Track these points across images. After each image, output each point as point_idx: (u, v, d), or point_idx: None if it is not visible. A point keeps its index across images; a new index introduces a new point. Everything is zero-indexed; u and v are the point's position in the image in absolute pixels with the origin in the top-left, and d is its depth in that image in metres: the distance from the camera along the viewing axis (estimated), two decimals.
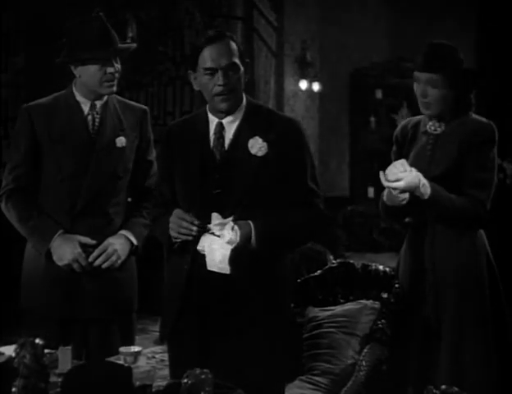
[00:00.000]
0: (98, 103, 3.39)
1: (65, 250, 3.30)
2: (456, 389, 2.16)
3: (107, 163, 3.37)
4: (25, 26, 7.73)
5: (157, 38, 8.31)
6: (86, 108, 3.39)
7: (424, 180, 3.07)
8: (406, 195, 3.08)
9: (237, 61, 2.92)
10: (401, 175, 3.03)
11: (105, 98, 3.40)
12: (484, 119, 3.29)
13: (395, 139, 3.46)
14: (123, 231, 3.41)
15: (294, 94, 8.82)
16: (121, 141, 3.39)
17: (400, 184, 3.03)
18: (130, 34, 7.42)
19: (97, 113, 3.39)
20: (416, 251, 3.33)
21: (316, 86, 8.83)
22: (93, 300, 3.35)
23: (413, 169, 3.04)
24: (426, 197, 3.08)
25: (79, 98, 3.39)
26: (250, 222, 2.86)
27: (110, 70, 3.31)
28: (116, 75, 3.34)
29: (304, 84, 8.77)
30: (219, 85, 2.89)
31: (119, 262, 3.36)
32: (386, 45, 9.30)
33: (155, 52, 8.46)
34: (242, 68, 2.95)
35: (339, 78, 9.15)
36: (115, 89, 3.36)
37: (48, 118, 3.39)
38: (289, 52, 8.78)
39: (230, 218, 2.86)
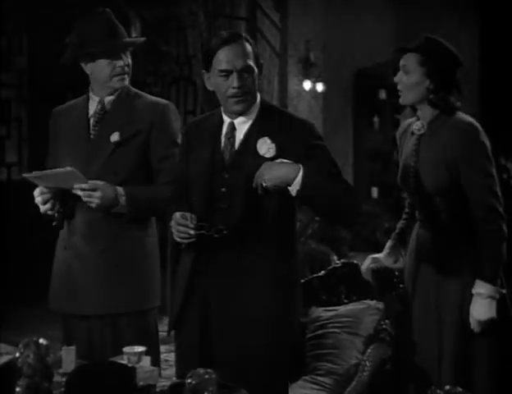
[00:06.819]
0: (107, 99, 3.36)
1: None
2: (460, 389, 2.16)
3: (99, 159, 3.31)
4: (29, 26, 7.74)
5: (160, 38, 8.32)
6: (94, 105, 3.37)
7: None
8: None
9: (251, 63, 2.91)
10: None
11: (116, 93, 3.35)
12: (468, 119, 3.18)
13: (397, 140, 3.47)
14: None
15: (297, 95, 8.81)
16: (114, 136, 3.29)
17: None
18: (134, 34, 7.43)
19: (101, 109, 3.35)
20: (420, 250, 3.32)
21: (319, 86, 8.82)
22: (89, 295, 3.28)
23: None
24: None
25: (91, 94, 3.39)
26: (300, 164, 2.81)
27: (119, 63, 3.30)
28: (126, 68, 3.33)
29: (307, 85, 8.77)
30: (233, 88, 2.89)
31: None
32: (390, 45, 9.28)
33: (158, 52, 8.47)
34: (256, 70, 2.94)
35: (343, 78, 9.14)
36: (126, 82, 3.35)
37: (62, 118, 3.44)
38: (292, 53, 8.77)
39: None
